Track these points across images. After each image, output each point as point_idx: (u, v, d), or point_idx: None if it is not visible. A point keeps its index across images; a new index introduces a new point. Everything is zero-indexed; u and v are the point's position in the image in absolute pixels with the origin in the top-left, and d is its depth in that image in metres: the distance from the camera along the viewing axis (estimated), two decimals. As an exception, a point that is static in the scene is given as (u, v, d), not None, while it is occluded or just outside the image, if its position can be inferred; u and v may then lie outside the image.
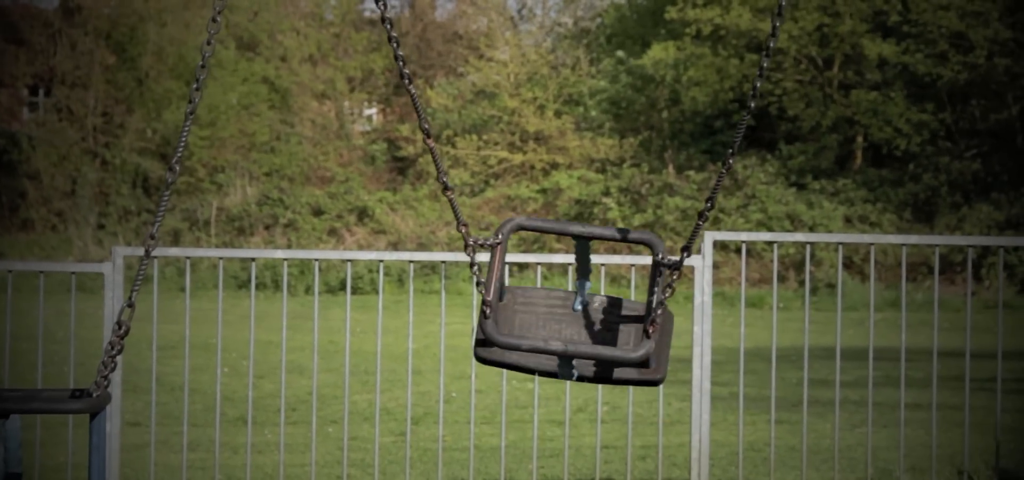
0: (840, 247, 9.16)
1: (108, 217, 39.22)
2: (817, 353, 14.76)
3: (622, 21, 44.69)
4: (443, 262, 8.97)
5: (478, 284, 4.58)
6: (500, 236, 4.60)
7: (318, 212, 39.19)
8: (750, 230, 33.91)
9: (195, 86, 4.61)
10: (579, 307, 4.70)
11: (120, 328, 4.61)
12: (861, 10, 37.49)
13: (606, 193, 38.06)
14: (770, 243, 30.11)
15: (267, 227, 38.89)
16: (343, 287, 32.50)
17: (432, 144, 4.74)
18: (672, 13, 39.17)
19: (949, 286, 31.77)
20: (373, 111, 46.71)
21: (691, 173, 37.90)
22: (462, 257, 9.25)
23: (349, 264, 9.08)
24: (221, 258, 9.05)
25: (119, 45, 42.04)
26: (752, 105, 4.69)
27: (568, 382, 5.16)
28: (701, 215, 4.50)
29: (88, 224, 38.73)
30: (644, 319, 4.57)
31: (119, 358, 4.77)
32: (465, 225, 4.71)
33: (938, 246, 9.14)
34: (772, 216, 35.81)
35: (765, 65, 4.58)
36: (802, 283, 33.11)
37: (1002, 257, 9.09)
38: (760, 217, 35.81)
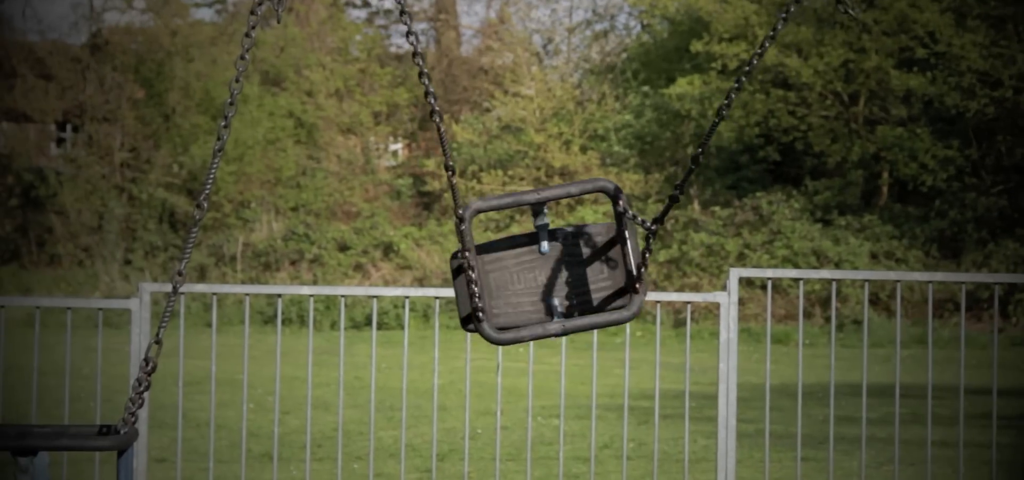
0: (866, 284, 9.14)
1: (135, 253, 39.31)
2: (843, 390, 14.72)
3: (647, 55, 44.73)
4: (469, 299, 8.97)
5: (454, 257, 4.83)
6: (464, 221, 4.80)
7: (344, 247, 39.23)
8: (776, 266, 33.89)
9: (223, 123, 4.63)
10: (546, 248, 4.84)
11: (148, 365, 4.62)
12: (886, 46, 37.46)
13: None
14: (796, 280, 30.06)
15: (293, 262, 38.95)
16: (369, 323, 32.51)
17: (454, 181, 4.93)
18: (698, 47, 39.18)
19: (976, 323, 31.65)
20: (399, 146, 46.81)
21: (717, 209, 37.85)
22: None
23: (375, 300, 9.10)
24: (247, 294, 9.07)
25: (146, 81, 42.21)
26: (724, 113, 4.86)
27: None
28: (687, 173, 4.70)
29: (115, 259, 38.83)
30: (617, 241, 4.75)
31: (146, 394, 4.78)
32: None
33: (965, 283, 9.12)
34: (797, 252, 35.73)
35: (743, 81, 4.72)
36: (828, 319, 33.01)
37: (1029, 294, 9.07)
38: (785, 253, 35.74)
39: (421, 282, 37.36)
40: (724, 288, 8.89)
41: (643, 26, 46.19)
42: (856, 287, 32.92)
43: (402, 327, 31.71)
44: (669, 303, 33.55)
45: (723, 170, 40.88)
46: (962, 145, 37.58)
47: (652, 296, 9.08)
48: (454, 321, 33.11)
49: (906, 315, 31.94)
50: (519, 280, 4.79)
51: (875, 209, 38.34)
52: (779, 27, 4.67)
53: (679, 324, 31.84)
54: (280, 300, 9.19)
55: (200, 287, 8.98)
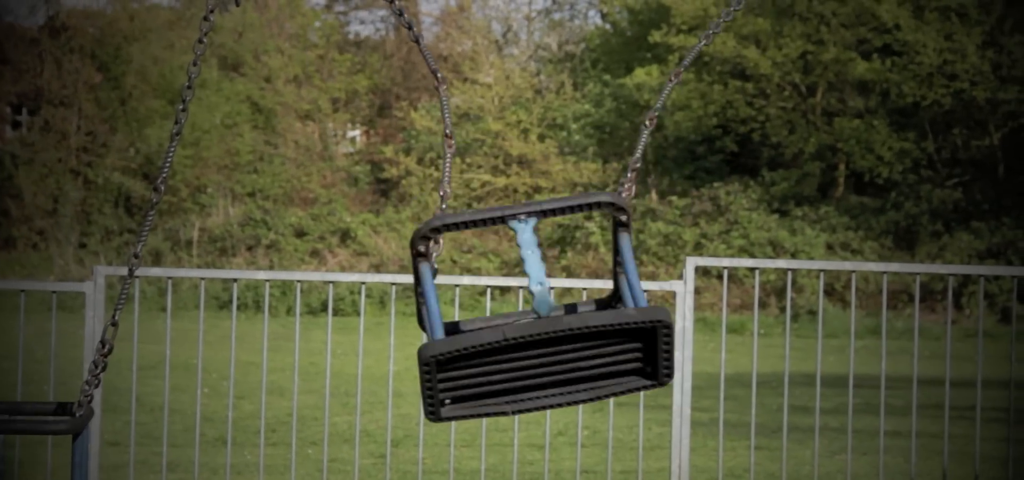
0: (822, 274, 9.19)
1: (90, 236, 39.14)
2: (797, 379, 14.79)
3: (607, 45, 44.77)
4: (425, 285, 8.97)
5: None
6: (420, 247, 3.85)
7: (301, 233, 39.14)
8: (732, 256, 33.98)
9: (181, 106, 4.61)
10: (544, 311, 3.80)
11: (104, 347, 4.60)
12: (845, 38, 37.60)
13: (589, 217, 38.08)
14: (752, 269, 30.13)
15: (249, 248, 38.84)
16: (325, 308, 32.46)
17: (444, 93, 4.45)
18: (656, 37, 39.25)
19: (929, 314, 31.83)
20: (356, 133, 46.74)
21: (674, 198, 37.95)
22: (446, 280, 9.26)
23: (331, 286, 9.10)
24: (203, 278, 9.05)
25: (104, 64, 42.01)
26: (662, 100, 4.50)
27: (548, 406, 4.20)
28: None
29: (70, 243, 38.65)
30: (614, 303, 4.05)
31: (102, 376, 4.77)
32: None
33: (919, 274, 9.17)
34: (754, 242, 35.85)
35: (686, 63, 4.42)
36: (783, 309, 33.14)
37: (982, 286, 9.12)
38: (742, 243, 35.86)
39: (378, 269, 37.32)
40: (680, 277, 8.91)
41: (602, 15, 46.23)
42: (811, 277, 33.05)
43: (358, 313, 31.68)
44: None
45: (681, 160, 40.97)
46: (918, 138, 37.77)
47: (606, 284, 9.09)
48: (410, 307, 33.15)
49: (860, 306, 32.09)
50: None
51: (831, 200, 38.50)
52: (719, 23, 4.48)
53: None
54: (235, 285, 9.18)
55: (156, 271, 8.96)
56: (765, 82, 38.30)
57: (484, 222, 3.87)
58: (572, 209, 3.86)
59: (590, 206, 3.89)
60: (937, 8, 36.85)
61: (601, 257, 37.07)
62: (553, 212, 3.88)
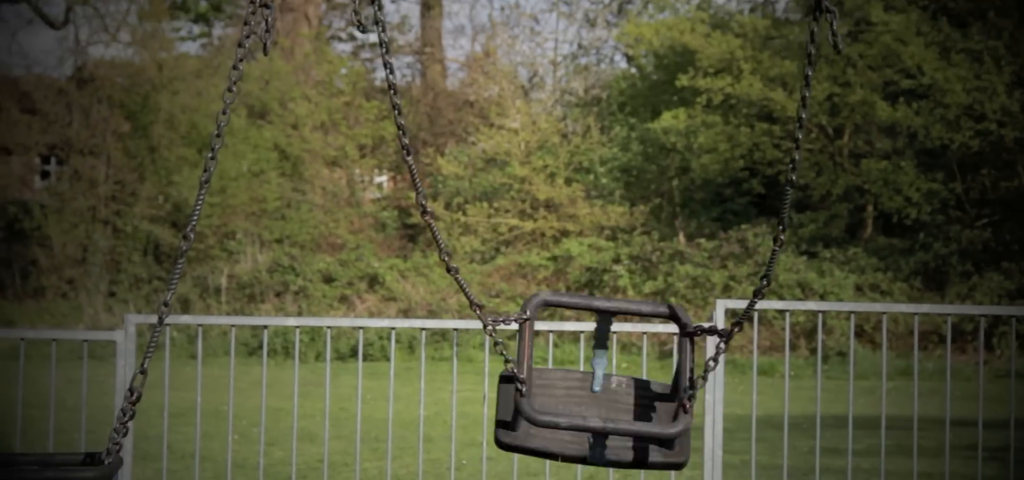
0: (852, 316, 9.16)
1: (119, 285, 39.24)
2: (829, 422, 14.73)
3: (633, 89, 44.79)
4: (455, 329, 8.98)
5: (507, 362, 4.54)
6: (528, 312, 4.57)
7: (329, 279, 39.19)
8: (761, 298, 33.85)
9: (210, 155, 4.63)
10: (598, 388, 4.70)
11: (132, 394, 4.62)
12: (871, 80, 37.55)
13: (617, 261, 38.05)
14: (781, 311, 30.03)
15: (278, 294, 38.89)
16: (354, 354, 32.47)
17: (430, 221, 4.86)
18: (683, 81, 39.26)
19: (960, 355, 31.67)
20: (384, 179, 46.80)
21: (702, 241, 37.88)
22: (474, 323, 9.25)
23: (360, 331, 9.10)
24: (233, 325, 9.06)
25: (132, 114, 42.18)
26: (794, 177, 4.84)
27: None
28: (757, 292, 4.71)
29: (99, 291, 38.76)
30: (674, 396, 4.61)
31: (131, 424, 4.77)
32: (479, 306, 4.71)
33: (950, 315, 9.14)
34: (783, 284, 35.76)
35: (800, 138, 4.70)
36: (813, 351, 33.02)
37: (1014, 326, 9.08)
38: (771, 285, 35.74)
39: (406, 314, 37.31)
40: (710, 319, 8.89)
41: (628, 59, 46.27)
42: (841, 319, 32.93)
43: (387, 358, 31.63)
44: (655, 334, 33.54)
45: (708, 203, 40.92)
46: (946, 178, 37.64)
47: (638, 327, 9.08)
48: (439, 352, 33.13)
49: (891, 347, 31.95)
50: (564, 410, 4.63)
51: (860, 242, 38.39)
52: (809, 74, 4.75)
53: (664, 355, 31.83)
54: (265, 331, 9.19)
55: (185, 318, 8.98)
56: (792, 124, 38.23)
57: (588, 308, 4.75)
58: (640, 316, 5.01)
59: (656, 316, 5.00)
60: (964, 50, 36.78)
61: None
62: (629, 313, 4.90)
